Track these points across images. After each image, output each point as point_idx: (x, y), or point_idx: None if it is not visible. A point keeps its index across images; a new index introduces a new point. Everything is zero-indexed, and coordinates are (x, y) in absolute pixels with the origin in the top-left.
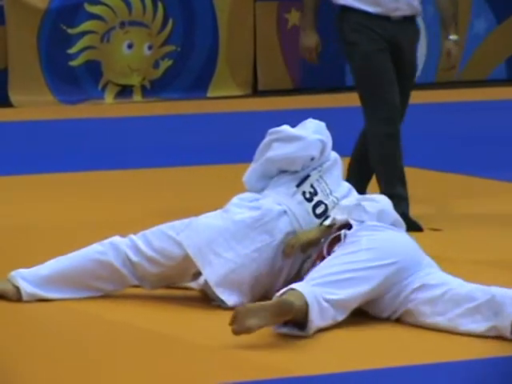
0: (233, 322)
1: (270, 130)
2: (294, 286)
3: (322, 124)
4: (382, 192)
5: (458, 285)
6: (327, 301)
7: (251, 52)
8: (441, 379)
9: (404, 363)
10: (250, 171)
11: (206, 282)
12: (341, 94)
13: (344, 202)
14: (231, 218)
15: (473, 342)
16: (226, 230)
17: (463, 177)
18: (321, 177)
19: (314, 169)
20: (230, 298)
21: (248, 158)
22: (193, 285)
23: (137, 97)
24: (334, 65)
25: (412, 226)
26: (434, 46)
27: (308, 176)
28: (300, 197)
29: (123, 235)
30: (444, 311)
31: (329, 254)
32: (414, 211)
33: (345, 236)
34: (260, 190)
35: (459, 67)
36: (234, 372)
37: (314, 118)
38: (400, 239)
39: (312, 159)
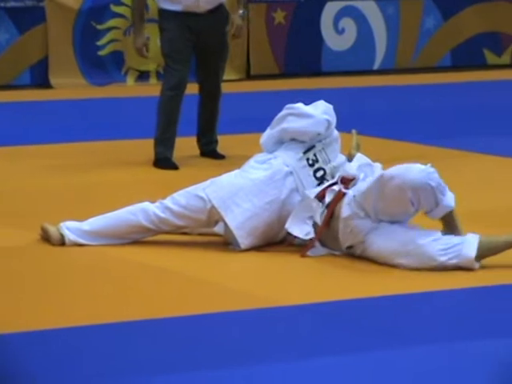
0: None
1: (288, 106)
2: None
3: (330, 106)
4: None
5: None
6: None
7: (245, 43)
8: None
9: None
10: (267, 136)
11: (225, 229)
12: (318, 78)
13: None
14: (248, 177)
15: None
16: (244, 185)
17: (415, 144)
18: (323, 148)
19: (319, 141)
20: (245, 241)
21: (244, 129)
22: (216, 230)
23: (153, 80)
24: (312, 54)
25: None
26: (393, 37)
27: (313, 146)
28: (304, 162)
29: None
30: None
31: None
32: None
33: (345, 194)
34: (273, 151)
35: (414, 56)
36: (225, 302)
37: (296, 97)
38: None
39: (318, 134)
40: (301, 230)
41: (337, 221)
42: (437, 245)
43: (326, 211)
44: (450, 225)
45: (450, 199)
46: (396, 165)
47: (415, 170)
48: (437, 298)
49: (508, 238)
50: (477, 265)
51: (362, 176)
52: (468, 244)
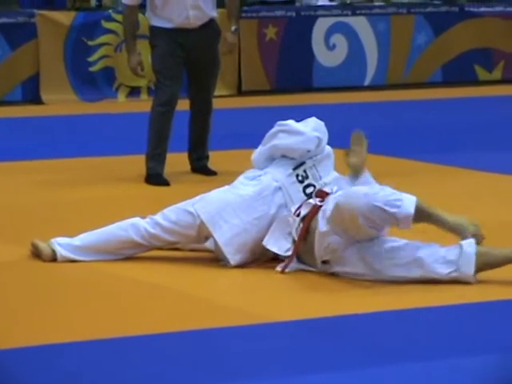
0: None
1: (279, 122)
2: None
3: (321, 123)
4: None
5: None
6: None
7: (236, 59)
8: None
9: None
10: (258, 153)
11: (215, 245)
12: (309, 94)
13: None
14: (237, 193)
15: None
16: (233, 201)
17: (406, 160)
18: (314, 165)
19: (310, 158)
20: (234, 257)
21: (236, 145)
22: (208, 245)
23: (144, 96)
24: (303, 70)
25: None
26: (384, 54)
27: (303, 163)
28: (294, 178)
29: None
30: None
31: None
32: None
33: (320, 208)
34: (264, 168)
35: (405, 72)
36: (216, 318)
37: (288, 113)
38: None
39: (308, 151)
40: (279, 246)
41: (313, 235)
42: (432, 257)
43: (301, 225)
44: (433, 223)
45: (407, 205)
46: (384, 182)
47: (358, 197)
48: (427, 314)
49: (508, 253)
50: (473, 279)
51: (334, 189)
52: (466, 260)
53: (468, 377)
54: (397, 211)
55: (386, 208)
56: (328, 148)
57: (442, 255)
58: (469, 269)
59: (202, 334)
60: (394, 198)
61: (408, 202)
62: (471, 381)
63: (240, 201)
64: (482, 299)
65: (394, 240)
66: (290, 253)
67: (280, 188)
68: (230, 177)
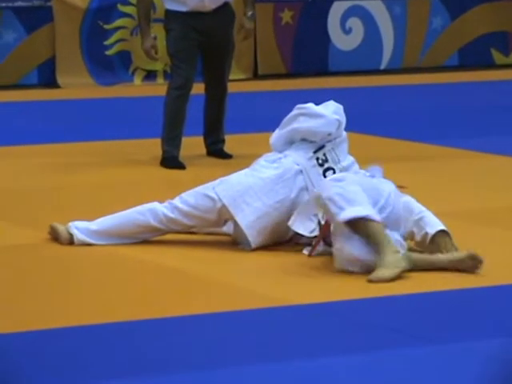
0: None
1: (298, 106)
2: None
3: (341, 106)
4: None
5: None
6: None
7: (252, 43)
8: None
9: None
10: (277, 136)
11: (234, 228)
12: (325, 78)
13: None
14: (258, 176)
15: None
16: (255, 184)
17: (422, 144)
18: (333, 148)
19: (329, 141)
20: (256, 240)
21: (251, 129)
22: (225, 229)
23: (160, 80)
24: (319, 54)
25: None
26: (400, 38)
27: (323, 146)
28: (314, 161)
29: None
30: None
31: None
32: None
33: None
34: (283, 151)
35: (421, 56)
36: (233, 301)
37: (303, 97)
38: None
39: (329, 134)
40: (305, 227)
41: None
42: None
43: None
44: (375, 247)
45: (350, 211)
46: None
47: (323, 183)
48: (441, 297)
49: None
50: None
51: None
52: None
53: (478, 359)
54: (339, 212)
55: (330, 202)
56: (344, 132)
57: None
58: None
59: (221, 316)
60: (348, 197)
61: (351, 213)
62: (481, 363)
63: (261, 184)
64: (493, 283)
65: None
66: (314, 233)
67: (301, 171)
68: (245, 160)
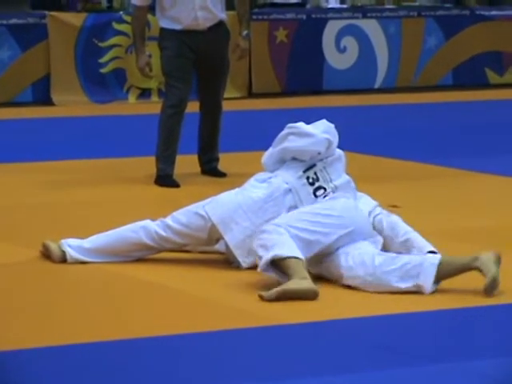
0: None
1: (289, 125)
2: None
3: (332, 125)
4: None
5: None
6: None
7: (247, 62)
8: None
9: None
10: (269, 155)
11: (226, 247)
12: (320, 97)
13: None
14: (248, 195)
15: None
16: (244, 203)
17: (416, 163)
18: (324, 167)
19: (320, 160)
20: (246, 260)
21: (246, 147)
22: (218, 247)
23: (154, 97)
24: (314, 72)
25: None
26: (394, 57)
27: (314, 165)
28: (304, 180)
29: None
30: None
31: None
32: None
33: None
34: (274, 170)
35: (415, 75)
36: (225, 320)
37: (298, 116)
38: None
39: (319, 153)
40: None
41: None
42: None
43: None
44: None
45: (272, 252)
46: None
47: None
48: (440, 316)
49: (463, 259)
50: (433, 288)
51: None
52: (425, 272)
53: (479, 379)
54: (265, 253)
55: (256, 244)
56: (339, 151)
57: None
58: (427, 281)
59: (212, 336)
60: (272, 241)
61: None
62: (480, 383)
63: (251, 203)
64: (489, 303)
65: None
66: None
67: (290, 190)
68: (239, 179)
